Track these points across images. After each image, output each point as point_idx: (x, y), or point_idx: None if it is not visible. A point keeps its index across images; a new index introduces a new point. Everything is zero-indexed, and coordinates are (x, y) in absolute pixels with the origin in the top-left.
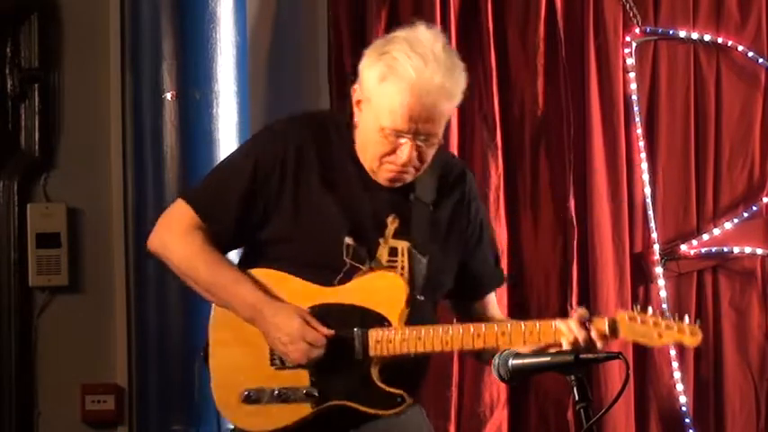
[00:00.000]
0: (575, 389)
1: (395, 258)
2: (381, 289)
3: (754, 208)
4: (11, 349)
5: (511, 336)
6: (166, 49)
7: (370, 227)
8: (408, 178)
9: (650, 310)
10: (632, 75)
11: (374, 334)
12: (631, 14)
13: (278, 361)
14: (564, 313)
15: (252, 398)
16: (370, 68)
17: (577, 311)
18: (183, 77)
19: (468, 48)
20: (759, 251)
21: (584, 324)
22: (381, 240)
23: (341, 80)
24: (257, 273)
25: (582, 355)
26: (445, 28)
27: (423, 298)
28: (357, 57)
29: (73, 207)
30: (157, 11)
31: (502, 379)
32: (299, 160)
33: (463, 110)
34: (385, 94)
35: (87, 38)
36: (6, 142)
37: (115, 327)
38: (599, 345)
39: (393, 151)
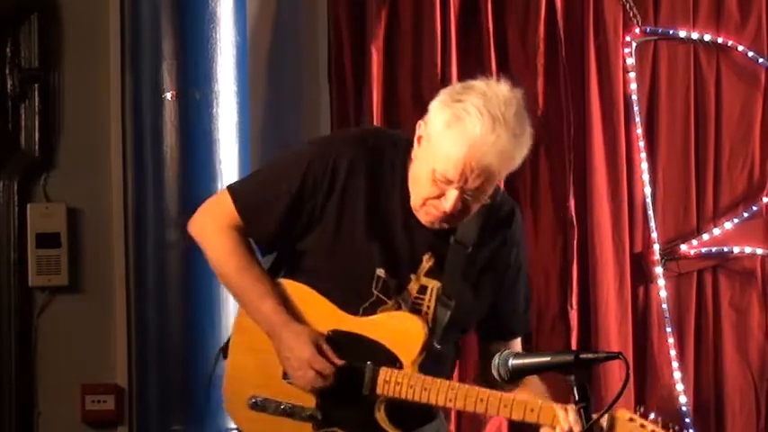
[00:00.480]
0: (575, 389)
1: (422, 296)
2: (402, 330)
3: (754, 208)
4: (11, 349)
5: (512, 409)
6: (166, 49)
7: (405, 262)
8: (446, 226)
9: (652, 415)
10: (632, 75)
11: (384, 373)
12: (631, 14)
13: (290, 376)
14: (564, 313)
15: (258, 405)
16: (441, 111)
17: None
18: (183, 77)
19: (468, 48)
20: (759, 251)
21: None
22: (413, 276)
23: (341, 80)
24: (287, 284)
25: (582, 355)
26: (445, 28)
27: (440, 347)
28: (357, 57)
29: (73, 207)
30: (157, 11)
31: (502, 379)
32: (349, 179)
33: None
34: (445, 141)
35: (87, 38)
36: (6, 142)
37: (115, 327)
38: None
39: (438, 197)
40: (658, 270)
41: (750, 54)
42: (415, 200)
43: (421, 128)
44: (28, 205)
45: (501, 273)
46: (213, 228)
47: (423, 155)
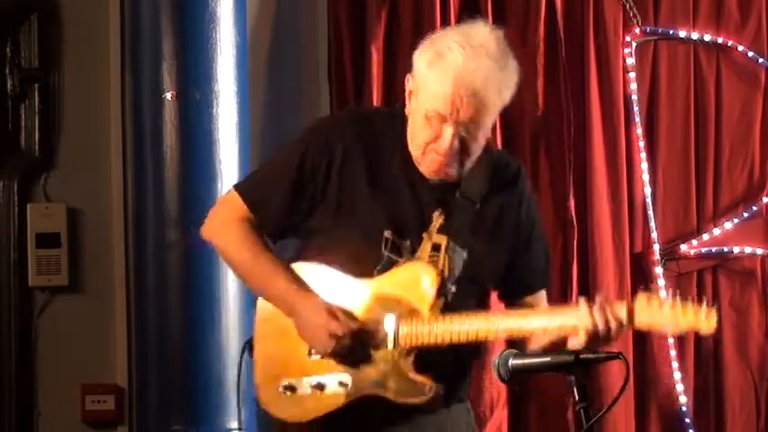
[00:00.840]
0: (575, 389)
1: (437, 254)
2: (414, 279)
3: (754, 208)
4: (11, 349)
5: (532, 319)
6: (166, 49)
7: (414, 222)
8: (451, 172)
9: (670, 292)
10: (632, 75)
11: (405, 324)
12: (631, 14)
13: (314, 352)
14: None
15: (290, 388)
16: (422, 54)
17: (597, 298)
18: (183, 77)
19: None
20: (759, 251)
21: (604, 310)
22: (425, 235)
23: (341, 80)
24: (297, 267)
25: (582, 356)
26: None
27: (455, 289)
28: (357, 57)
29: (73, 207)
30: (157, 11)
31: (502, 379)
32: (346, 153)
33: None
34: (431, 79)
35: (87, 38)
36: (6, 142)
37: (115, 327)
38: (614, 332)
39: (437, 138)
40: (658, 270)
41: (750, 54)
42: (415, 151)
43: (409, 83)
44: (28, 205)
45: (513, 229)
46: (222, 223)
47: (415, 105)
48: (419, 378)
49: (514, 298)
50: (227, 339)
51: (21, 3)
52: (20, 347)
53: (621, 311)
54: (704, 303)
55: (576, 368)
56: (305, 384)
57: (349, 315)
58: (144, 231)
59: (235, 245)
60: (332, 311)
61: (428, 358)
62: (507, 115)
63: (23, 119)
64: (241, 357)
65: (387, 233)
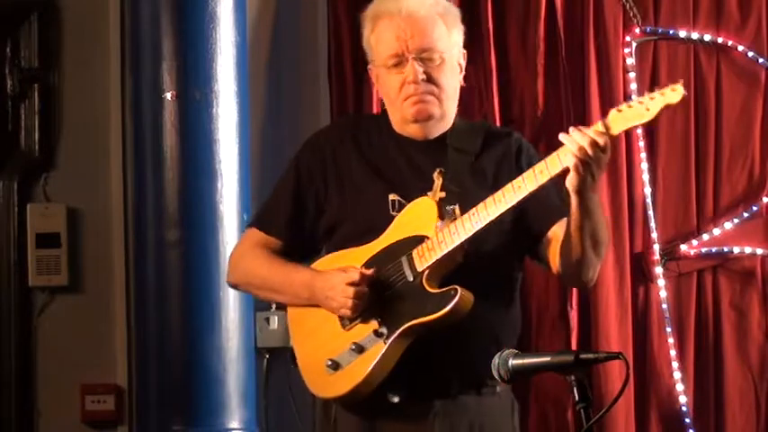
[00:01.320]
0: (575, 389)
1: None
2: (414, 215)
3: (754, 208)
4: (11, 349)
5: (526, 182)
6: (166, 49)
7: (415, 182)
8: (433, 109)
9: (633, 97)
10: (632, 75)
11: (417, 252)
12: (631, 14)
13: (346, 320)
14: (564, 314)
15: (334, 366)
16: (364, 30)
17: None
18: (183, 77)
19: (469, 48)
20: (759, 251)
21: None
22: (430, 194)
23: (341, 80)
24: (317, 264)
25: (582, 356)
26: None
27: (456, 206)
28: (357, 57)
29: (73, 207)
30: (157, 11)
31: (502, 379)
32: (336, 147)
33: (463, 110)
34: (377, 38)
35: (87, 38)
36: (6, 142)
37: (115, 327)
38: (602, 144)
39: (404, 80)
40: (658, 270)
41: (750, 54)
42: (397, 109)
43: (371, 70)
44: (28, 205)
45: (514, 176)
46: (237, 258)
47: (378, 79)
48: (442, 289)
49: (539, 234)
50: (228, 339)
51: (21, 3)
52: (20, 347)
53: (598, 126)
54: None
55: (576, 368)
56: (345, 355)
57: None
58: (144, 231)
59: (251, 268)
60: (342, 268)
61: (445, 275)
62: (507, 115)
63: (23, 119)
64: (290, 367)
65: (392, 196)
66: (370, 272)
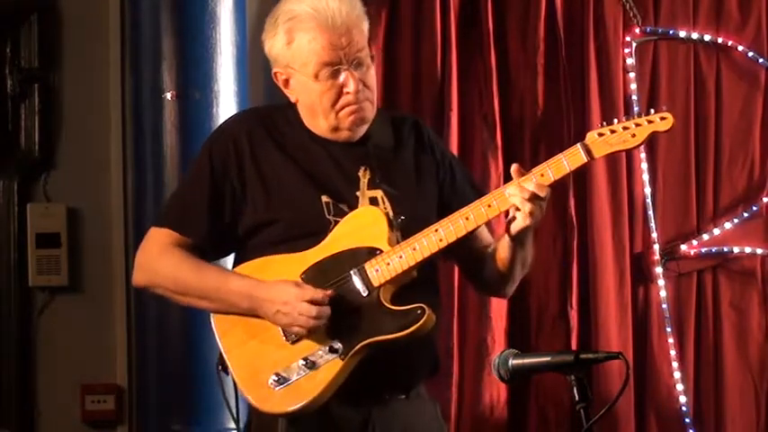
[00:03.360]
0: (575, 389)
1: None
2: (359, 225)
3: (754, 208)
4: (11, 349)
5: (475, 217)
6: (166, 49)
7: (343, 184)
8: (368, 114)
9: (615, 120)
10: (632, 75)
11: (370, 265)
12: (631, 14)
13: (292, 335)
14: (564, 313)
15: (282, 379)
16: (274, 40)
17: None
18: (183, 77)
19: (469, 48)
20: (759, 251)
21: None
22: (358, 194)
23: None
24: (240, 269)
25: (582, 355)
26: (445, 28)
27: (404, 218)
28: None
29: (73, 207)
30: (157, 11)
31: (502, 379)
32: (252, 141)
33: (463, 110)
34: (301, 47)
35: (87, 38)
36: (6, 142)
37: (115, 327)
38: (543, 196)
39: (340, 90)
40: (658, 270)
41: (750, 54)
42: (327, 118)
43: (278, 75)
44: (28, 205)
45: (434, 172)
46: (153, 258)
47: (298, 84)
48: (405, 307)
49: (464, 244)
50: None
51: (21, 3)
52: (20, 347)
53: (540, 173)
54: (653, 111)
55: (576, 368)
56: (294, 369)
57: (317, 281)
58: (144, 231)
59: (175, 270)
60: (297, 284)
61: (403, 291)
62: (507, 115)
63: (23, 119)
64: (218, 379)
65: (324, 198)
66: (329, 292)
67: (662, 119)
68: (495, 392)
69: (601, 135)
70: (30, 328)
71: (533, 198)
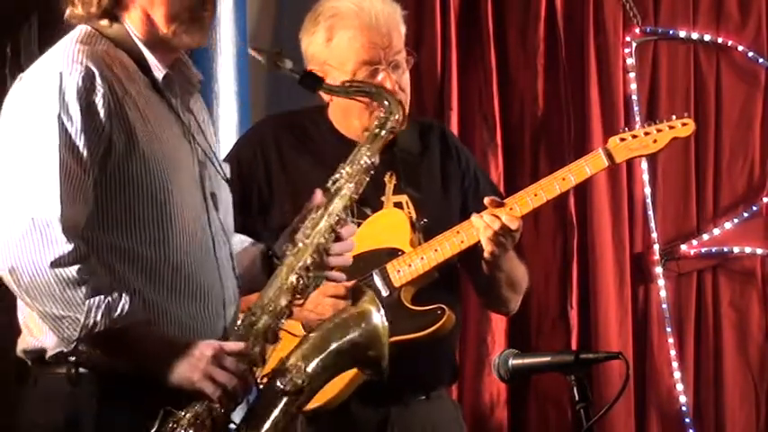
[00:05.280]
0: (575, 389)
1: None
2: (383, 226)
3: (754, 208)
4: (11, 349)
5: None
6: None
7: (369, 188)
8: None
9: (637, 126)
10: (632, 75)
11: (392, 266)
12: (631, 14)
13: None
14: (564, 313)
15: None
16: (313, 37)
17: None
18: None
19: (469, 48)
20: (759, 251)
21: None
22: (383, 198)
23: None
24: None
25: (582, 356)
26: (445, 28)
27: (426, 220)
28: None
29: None
30: None
31: (502, 379)
32: (279, 144)
33: (463, 109)
34: (341, 45)
35: None
36: None
37: None
38: (514, 229)
39: None
40: (658, 270)
41: (750, 54)
42: (362, 119)
43: (323, 96)
44: None
45: (459, 178)
46: None
47: (342, 94)
48: (426, 308)
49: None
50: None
51: (21, 3)
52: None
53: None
54: (673, 117)
55: (576, 368)
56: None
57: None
58: None
59: None
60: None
61: (425, 292)
62: (507, 115)
63: None
64: None
65: None
66: (349, 283)
67: (683, 124)
68: (495, 392)
69: (623, 140)
70: None
71: (502, 230)
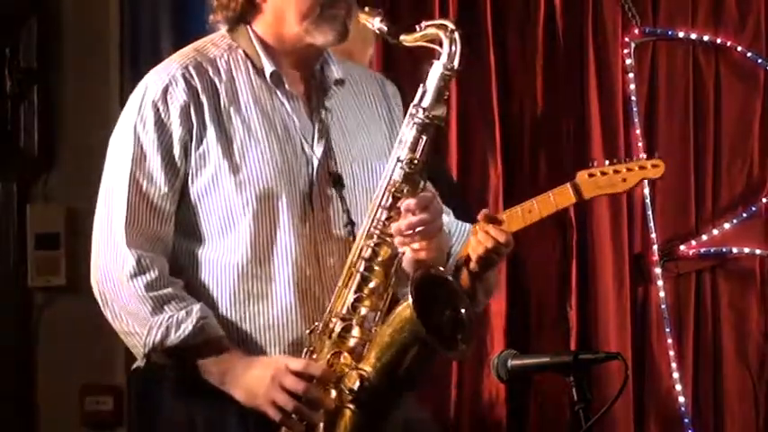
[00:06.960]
0: (574, 389)
1: None
2: None
3: (753, 208)
4: (9, 350)
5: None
6: (166, 50)
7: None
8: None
9: (606, 162)
10: (631, 75)
11: None
12: (630, 15)
13: None
14: (564, 314)
15: None
16: None
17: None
18: None
19: (468, 48)
20: (758, 251)
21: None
22: None
23: None
24: None
25: (581, 356)
26: None
27: None
28: None
29: (73, 207)
30: (157, 11)
31: (501, 379)
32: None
33: (463, 110)
34: None
35: (87, 38)
36: (6, 142)
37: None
38: (504, 243)
39: None
40: (657, 270)
41: (749, 54)
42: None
43: None
44: (27, 206)
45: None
46: None
47: None
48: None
49: None
50: None
51: (20, 3)
52: (19, 348)
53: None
54: (643, 156)
55: (575, 368)
56: None
57: None
58: None
59: None
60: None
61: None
62: (507, 115)
63: (23, 119)
64: None
65: None
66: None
67: (653, 166)
68: (495, 392)
69: (591, 176)
70: (29, 329)
71: (494, 247)
